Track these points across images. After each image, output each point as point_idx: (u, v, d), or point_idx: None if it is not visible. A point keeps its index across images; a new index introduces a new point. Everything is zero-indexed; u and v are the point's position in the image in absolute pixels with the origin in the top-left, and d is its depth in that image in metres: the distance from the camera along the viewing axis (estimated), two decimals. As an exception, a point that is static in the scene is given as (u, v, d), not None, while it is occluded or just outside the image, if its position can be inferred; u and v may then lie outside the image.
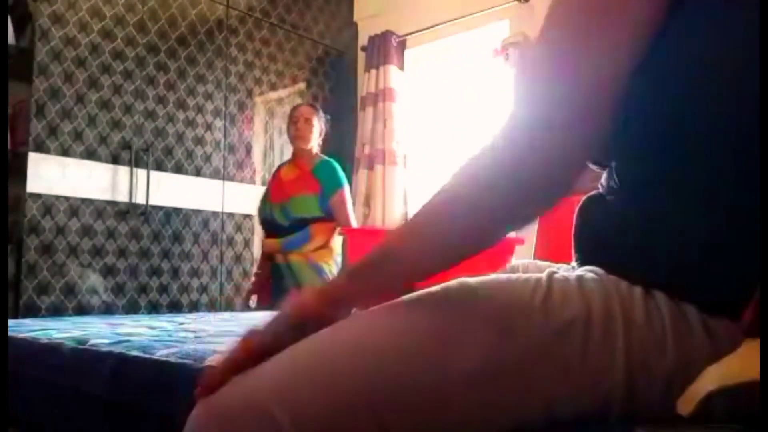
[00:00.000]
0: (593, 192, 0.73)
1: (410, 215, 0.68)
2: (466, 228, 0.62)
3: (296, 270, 2.75)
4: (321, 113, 2.95)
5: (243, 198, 3.37)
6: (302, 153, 2.87)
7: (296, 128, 2.85)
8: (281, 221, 2.79)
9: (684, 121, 0.62)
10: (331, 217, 2.80)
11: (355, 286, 0.67)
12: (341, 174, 2.85)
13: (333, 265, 2.80)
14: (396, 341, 0.59)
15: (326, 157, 2.89)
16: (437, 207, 0.64)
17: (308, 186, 2.80)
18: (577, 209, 0.73)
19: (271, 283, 2.82)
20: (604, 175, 0.72)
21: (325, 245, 2.79)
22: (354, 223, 2.85)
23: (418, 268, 0.64)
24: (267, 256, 2.86)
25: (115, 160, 2.89)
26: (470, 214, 0.61)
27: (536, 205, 0.62)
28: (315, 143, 2.88)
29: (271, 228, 2.85)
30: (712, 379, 0.45)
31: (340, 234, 2.74)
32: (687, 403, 0.46)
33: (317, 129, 2.88)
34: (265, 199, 2.91)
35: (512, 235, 0.81)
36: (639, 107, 0.63)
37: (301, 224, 2.76)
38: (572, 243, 0.73)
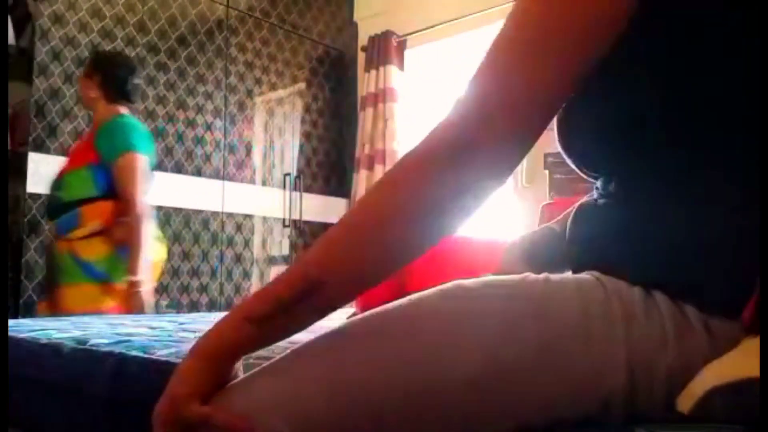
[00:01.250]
0: (585, 199, 0.73)
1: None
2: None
3: (59, 262, 2.13)
4: (102, 63, 2.33)
5: (243, 198, 3.37)
6: (94, 116, 2.30)
7: None
8: (61, 197, 2.19)
9: (680, 124, 0.62)
10: (115, 194, 2.13)
11: (259, 332, 0.58)
12: (131, 135, 2.16)
13: (111, 261, 2.11)
14: (396, 348, 0.58)
15: (121, 116, 2.23)
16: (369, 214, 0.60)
17: (85, 156, 2.18)
18: (570, 217, 0.73)
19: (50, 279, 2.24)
20: (599, 182, 0.72)
21: (103, 232, 2.12)
22: (138, 199, 2.11)
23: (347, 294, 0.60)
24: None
25: (115, 160, 2.89)
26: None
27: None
28: (98, 100, 2.26)
29: (50, 207, 2.28)
30: (712, 375, 0.45)
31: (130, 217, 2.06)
32: (687, 400, 0.46)
33: (93, 86, 2.27)
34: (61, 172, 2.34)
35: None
36: (633, 111, 0.63)
37: (74, 205, 2.15)
38: (567, 250, 0.73)
